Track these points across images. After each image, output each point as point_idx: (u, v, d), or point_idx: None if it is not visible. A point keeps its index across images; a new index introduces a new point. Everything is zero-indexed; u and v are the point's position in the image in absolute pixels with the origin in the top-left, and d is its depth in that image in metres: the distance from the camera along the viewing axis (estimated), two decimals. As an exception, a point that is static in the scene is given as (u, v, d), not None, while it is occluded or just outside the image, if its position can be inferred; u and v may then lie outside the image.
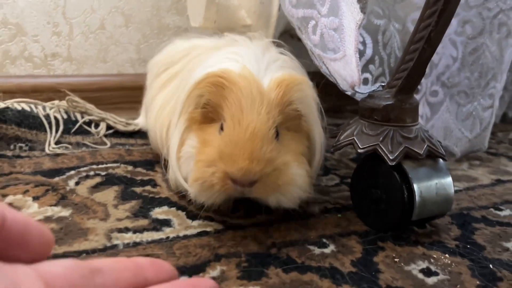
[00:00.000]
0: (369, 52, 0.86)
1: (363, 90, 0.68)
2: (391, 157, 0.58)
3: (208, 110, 0.59)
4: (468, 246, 0.59)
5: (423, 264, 0.54)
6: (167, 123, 0.69)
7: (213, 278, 0.49)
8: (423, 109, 0.97)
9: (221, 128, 0.57)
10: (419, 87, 0.95)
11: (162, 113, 0.73)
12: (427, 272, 0.53)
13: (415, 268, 0.53)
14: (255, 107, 0.54)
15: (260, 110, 0.54)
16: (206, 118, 0.60)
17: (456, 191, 0.79)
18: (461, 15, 0.94)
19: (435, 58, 0.96)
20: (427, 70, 0.96)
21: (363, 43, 0.87)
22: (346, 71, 0.63)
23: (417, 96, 0.96)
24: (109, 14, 1.14)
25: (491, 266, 0.54)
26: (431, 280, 0.51)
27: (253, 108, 0.54)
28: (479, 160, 1.00)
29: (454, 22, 0.94)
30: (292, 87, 0.57)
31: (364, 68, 0.87)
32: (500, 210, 0.72)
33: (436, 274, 0.52)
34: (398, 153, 0.59)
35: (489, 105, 0.99)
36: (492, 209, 0.72)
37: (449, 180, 0.61)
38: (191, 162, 0.59)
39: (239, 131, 0.53)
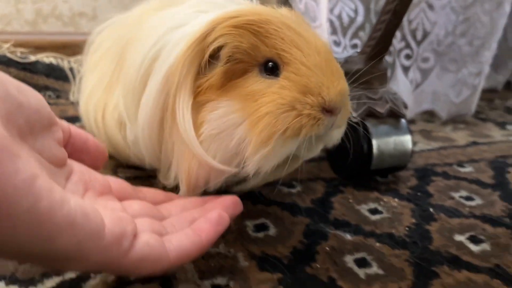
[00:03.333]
0: (359, 19, 0.93)
1: (342, 56, 0.76)
2: (354, 115, 0.67)
3: (235, 62, 0.47)
4: (419, 193, 0.69)
5: (372, 205, 0.64)
6: (102, 105, 0.63)
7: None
8: (413, 75, 1.04)
9: (270, 69, 0.47)
10: (410, 53, 1.02)
11: (95, 95, 0.65)
12: (373, 211, 0.63)
13: (364, 208, 0.63)
14: (307, 30, 0.49)
15: (313, 32, 0.50)
16: (231, 74, 0.47)
17: (429, 150, 0.88)
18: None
19: (427, 26, 1.02)
20: (420, 37, 1.03)
21: (355, 11, 0.94)
22: (323, 38, 0.72)
23: (408, 62, 1.03)
24: (131, -23, 1.24)
25: (431, 209, 0.64)
26: (374, 217, 0.61)
27: (307, 31, 0.49)
28: (465, 123, 1.07)
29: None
30: None
31: (354, 35, 0.94)
32: (463, 167, 0.80)
33: (380, 213, 0.62)
34: (361, 111, 0.68)
35: (478, 72, 1.05)
36: (455, 166, 0.80)
37: (407, 137, 0.70)
38: (235, 130, 0.46)
39: (313, 57, 0.46)
